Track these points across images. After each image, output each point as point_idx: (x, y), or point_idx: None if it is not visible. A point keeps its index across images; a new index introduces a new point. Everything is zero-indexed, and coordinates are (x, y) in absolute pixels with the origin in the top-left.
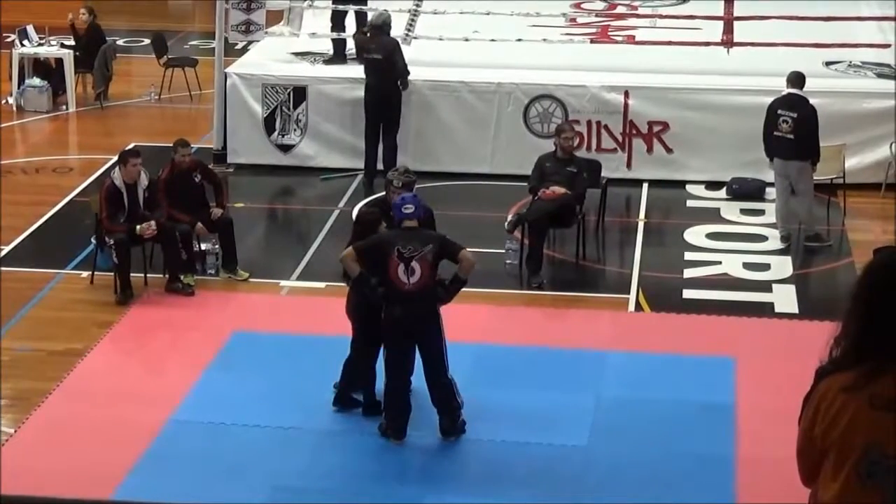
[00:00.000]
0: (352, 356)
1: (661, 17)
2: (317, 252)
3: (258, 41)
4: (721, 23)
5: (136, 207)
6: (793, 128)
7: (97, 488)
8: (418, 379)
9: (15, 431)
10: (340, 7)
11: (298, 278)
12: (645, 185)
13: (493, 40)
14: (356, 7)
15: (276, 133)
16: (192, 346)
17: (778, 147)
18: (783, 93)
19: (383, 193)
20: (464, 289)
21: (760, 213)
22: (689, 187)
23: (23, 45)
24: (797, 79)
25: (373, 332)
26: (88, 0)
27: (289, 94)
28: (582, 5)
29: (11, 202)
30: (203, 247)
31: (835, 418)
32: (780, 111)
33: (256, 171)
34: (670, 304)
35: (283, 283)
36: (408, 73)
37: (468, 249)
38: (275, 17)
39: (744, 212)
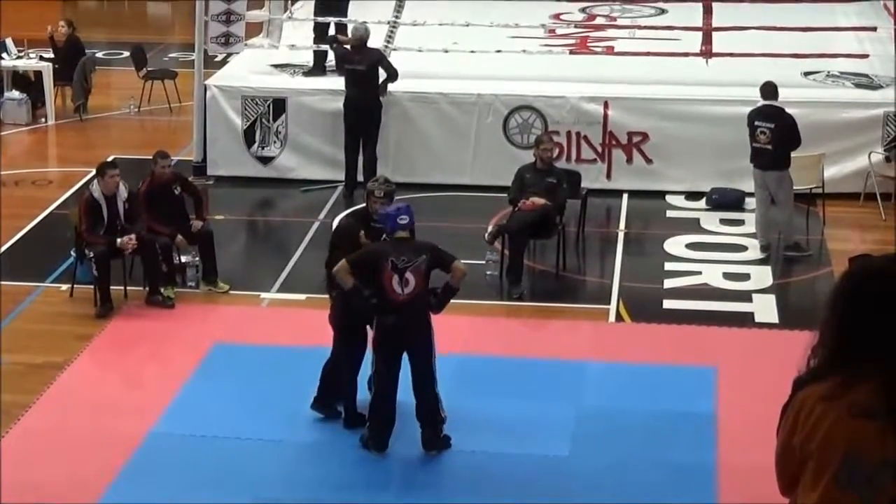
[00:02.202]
0: (331, 363)
1: (640, 27)
2: (297, 264)
3: (238, 53)
4: (700, 33)
5: (116, 220)
6: (770, 138)
7: (78, 500)
8: (402, 392)
9: None
10: (320, 19)
11: (279, 290)
12: (625, 196)
13: (472, 51)
14: (337, 19)
15: (255, 145)
16: (173, 358)
17: (756, 158)
18: (759, 104)
19: (363, 205)
20: None
21: (740, 223)
22: (668, 198)
23: (1, 57)
24: (770, 90)
25: (356, 343)
26: (67, 13)
27: (268, 105)
28: (561, 16)
29: None
30: (183, 259)
31: (814, 427)
32: (756, 122)
33: (236, 183)
34: (650, 315)
35: (263, 295)
36: (397, 76)
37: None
38: (254, 29)
39: (723, 222)
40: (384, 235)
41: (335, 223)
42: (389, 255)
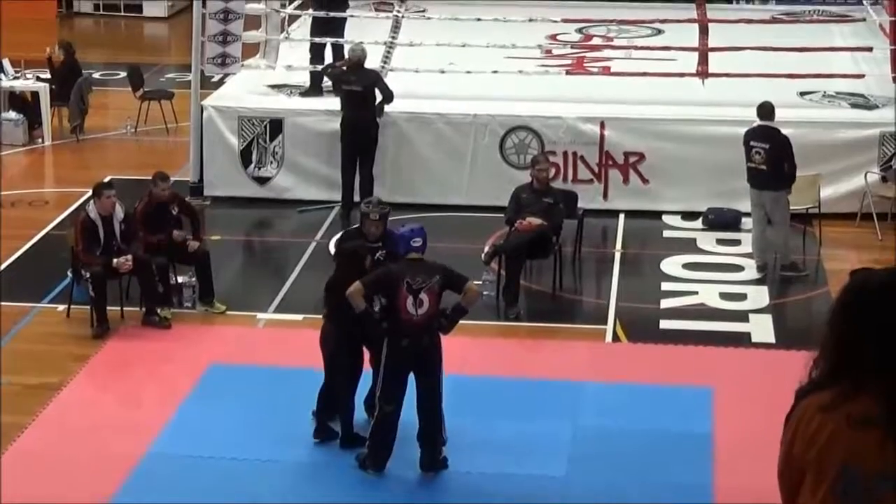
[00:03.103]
0: (326, 385)
1: (636, 48)
2: (294, 284)
3: (234, 74)
4: (696, 54)
5: (112, 240)
6: (765, 159)
7: None
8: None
9: None
10: (317, 40)
11: (275, 311)
12: (621, 216)
13: (468, 72)
14: (333, 39)
15: (252, 165)
16: (169, 378)
17: (752, 178)
18: (754, 125)
19: (356, 226)
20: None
21: (737, 242)
22: (665, 217)
23: None
24: (767, 110)
25: (353, 363)
26: (63, 33)
27: (265, 126)
28: (557, 37)
29: None
30: (180, 280)
31: (812, 437)
32: (752, 143)
33: (233, 203)
34: (647, 335)
35: (259, 315)
36: (393, 98)
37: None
38: (251, 49)
39: (720, 242)
40: (378, 255)
41: (332, 244)
42: (405, 276)
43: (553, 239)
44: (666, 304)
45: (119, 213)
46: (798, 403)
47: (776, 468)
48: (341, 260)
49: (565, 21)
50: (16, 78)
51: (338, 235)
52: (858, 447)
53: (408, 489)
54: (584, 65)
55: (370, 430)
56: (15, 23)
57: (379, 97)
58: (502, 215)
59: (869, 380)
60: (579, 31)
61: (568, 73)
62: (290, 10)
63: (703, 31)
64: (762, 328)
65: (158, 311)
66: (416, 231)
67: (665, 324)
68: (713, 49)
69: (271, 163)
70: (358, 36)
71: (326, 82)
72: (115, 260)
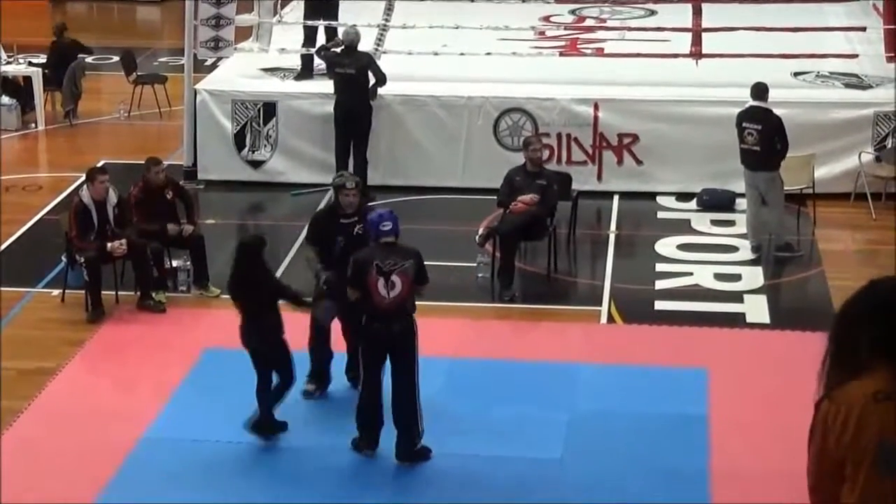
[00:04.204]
0: (259, 384)
1: (629, 29)
2: (288, 268)
3: (227, 57)
4: (689, 35)
5: (106, 225)
6: (758, 140)
7: None
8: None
9: None
10: (310, 23)
11: None
12: (615, 198)
13: (462, 54)
14: (326, 22)
15: (246, 149)
16: (164, 363)
17: (745, 159)
18: (747, 105)
19: (333, 201)
20: (436, 303)
21: (731, 223)
22: (659, 199)
23: None
24: (760, 91)
25: (272, 358)
26: (56, 17)
27: (259, 109)
28: (551, 18)
29: None
30: (174, 264)
31: (843, 425)
32: (744, 124)
33: (227, 187)
34: (642, 316)
35: None
36: (386, 81)
37: (435, 264)
38: (244, 33)
39: (714, 223)
40: (357, 230)
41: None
42: (374, 259)
43: (547, 221)
44: (661, 285)
45: (112, 197)
46: (819, 407)
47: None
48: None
49: (558, 2)
50: (8, 63)
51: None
52: (889, 420)
53: (402, 472)
54: (578, 46)
55: (356, 415)
56: (7, 8)
57: (372, 80)
58: (496, 197)
59: (881, 364)
60: (572, 12)
61: (561, 54)
62: None
63: (697, 12)
64: (757, 309)
65: (153, 295)
66: (386, 215)
67: (660, 305)
68: (706, 30)
69: (265, 146)
70: (351, 19)
71: (318, 65)
72: (109, 244)
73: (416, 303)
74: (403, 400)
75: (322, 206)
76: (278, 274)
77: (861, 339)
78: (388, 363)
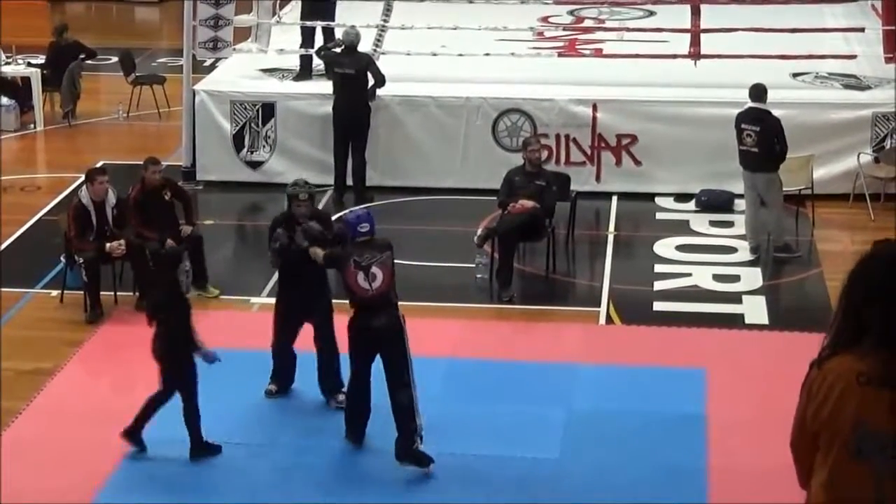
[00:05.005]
0: (185, 407)
1: (628, 30)
2: None
3: (226, 58)
4: (688, 35)
5: (105, 225)
6: (756, 141)
7: None
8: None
9: None
10: (308, 23)
11: (269, 295)
12: (614, 198)
13: (460, 55)
14: (324, 23)
15: (245, 150)
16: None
17: (744, 160)
18: (746, 106)
19: (286, 210)
20: (434, 303)
21: (730, 224)
22: (658, 199)
23: None
24: (758, 92)
25: (183, 373)
26: (55, 18)
27: (257, 110)
28: (549, 19)
29: None
30: None
31: (824, 399)
32: (743, 125)
33: (226, 187)
34: (641, 317)
35: (253, 299)
36: (384, 82)
37: (434, 265)
38: (242, 33)
39: (713, 223)
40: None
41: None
42: (352, 255)
43: (546, 221)
44: (659, 286)
45: (111, 198)
46: (810, 371)
47: (768, 446)
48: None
49: (557, 3)
50: (7, 63)
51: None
52: (868, 404)
53: (401, 471)
54: (576, 47)
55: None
56: (5, 7)
57: (371, 81)
58: (495, 198)
59: (875, 343)
60: (571, 13)
61: (560, 55)
62: None
63: (695, 13)
64: (755, 309)
65: None
66: (363, 216)
67: (658, 306)
68: (705, 30)
69: (264, 147)
70: (349, 19)
71: (317, 65)
72: (108, 245)
73: (415, 303)
74: (399, 396)
75: (279, 213)
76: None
77: (873, 312)
78: (378, 361)
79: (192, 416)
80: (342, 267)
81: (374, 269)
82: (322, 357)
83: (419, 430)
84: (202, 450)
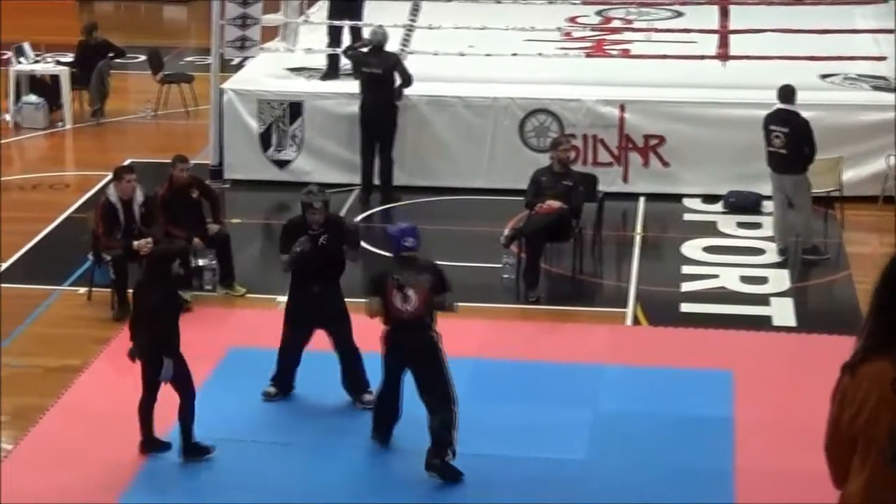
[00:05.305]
0: (183, 406)
1: (656, 30)
2: None
3: (254, 57)
4: (716, 36)
5: (132, 223)
6: (785, 142)
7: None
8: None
9: (13, 448)
10: (336, 23)
11: None
12: (641, 199)
13: (488, 55)
14: (351, 22)
15: (272, 148)
16: (189, 361)
17: (772, 162)
18: (774, 108)
19: (299, 215)
20: (461, 303)
21: (757, 226)
22: (685, 201)
23: (19, 62)
24: (787, 93)
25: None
26: (83, 17)
27: (285, 109)
28: (577, 19)
29: (8, 219)
30: (200, 263)
31: (861, 406)
32: (771, 126)
33: (252, 186)
34: (668, 318)
35: (279, 298)
36: (412, 82)
37: (460, 265)
38: (270, 32)
39: (741, 225)
40: (322, 241)
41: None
42: (393, 272)
43: (573, 222)
44: (686, 287)
45: (139, 196)
46: (843, 376)
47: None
48: (283, 231)
49: (585, 3)
50: (36, 61)
51: (358, 217)
52: None
53: (426, 473)
54: (604, 47)
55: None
56: (34, 7)
57: (398, 80)
58: (522, 198)
59: None
60: (599, 13)
61: (588, 55)
62: None
63: (724, 13)
64: (783, 311)
65: (179, 293)
66: (408, 231)
67: (685, 307)
68: (733, 31)
69: (291, 146)
70: (377, 19)
71: (344, 65)
72: (135, 242)
73: (448, 303)
74: (433, 409)
75: (293, 216)
76: None
77: None
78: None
79: (187, 416)
80: (383, 286)
81: (409, 291)
82: (344, 361)
83: (454, 444)
84: (193, 450)
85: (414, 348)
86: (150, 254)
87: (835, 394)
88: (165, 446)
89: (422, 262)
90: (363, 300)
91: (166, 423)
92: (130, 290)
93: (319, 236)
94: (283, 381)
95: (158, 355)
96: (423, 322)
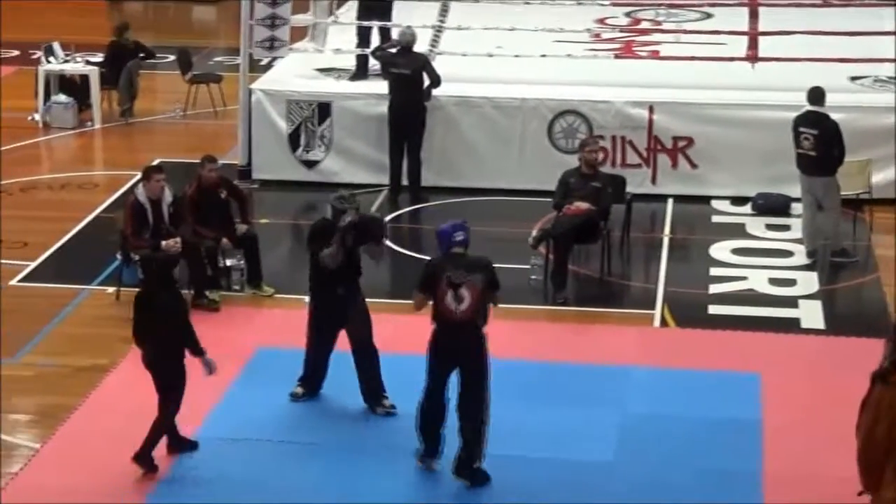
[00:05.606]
0: (162, 414)
1: (685, 32)
2: None
3: (282, 57)
4: (746, 38)
5: (161, 223)
6: (814, 144)
7: (123, 502)
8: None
9: (41, 447)
10: (365, 23)
11: None
12: (670, 201)
13: (517, 56)
14: (380, 23)
15: (300, 149)
16: (217, 362)
17: (801, 164)
18: (803, 110)
19: (332, 216)
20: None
21: (786, 228)
22: (714, 203)
23: (48, 61)
24: (817, 95)
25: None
26: (113, 16)
27: (313, 109)
28: (606, 21)
29: (37, 218)
30: (228, 263)
31: (895, 419)
32: (801, 128)
33: (281, 186)
34: (696, 320)
35: (307, 298)
36: (440, 82)
37: (494, 265)
38: (299, 33)
39: (769, 227)
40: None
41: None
42: (445, 270)
43: (601, 224)
44: (714, 289)
45: (168, 196)
46: (875, 386)
47: (824, 451)
48: (310, 233)
49: (614, 4)
50: (66, 61)
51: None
52: None
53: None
54: (633, 49)
55: (419, 422)
56: (64, 6)
57: (427, 81)
58: (550, 200)
59: None
60: (628, 14)
61: (616, 56)
62: None
63: (753, 15)
64: (812, 314)
65: (207, 293)
66: (458, 226)
67: (713, 309)
68: (763, 33)
69: (319, 146)
70: (406, 19)
71: (373, 65)
72: (163, 242)
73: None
74: (469, 413)
75: (320, 217)
76: None
77: None
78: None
79: (161, 427)
80: (435, 283)
81: (463, 290)
82: (361, 362)
83: (483, 450)
84: (144, 459)
85: (463, 350)
86: (149, 262)
87: (866, 402)
88: (193, 445)
89: (473, 258)
90: (389, 300)
91: (191, 422)
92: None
93: (348, 231)
94: (312, 383)
95: (171, 360)
96: (474, 323)
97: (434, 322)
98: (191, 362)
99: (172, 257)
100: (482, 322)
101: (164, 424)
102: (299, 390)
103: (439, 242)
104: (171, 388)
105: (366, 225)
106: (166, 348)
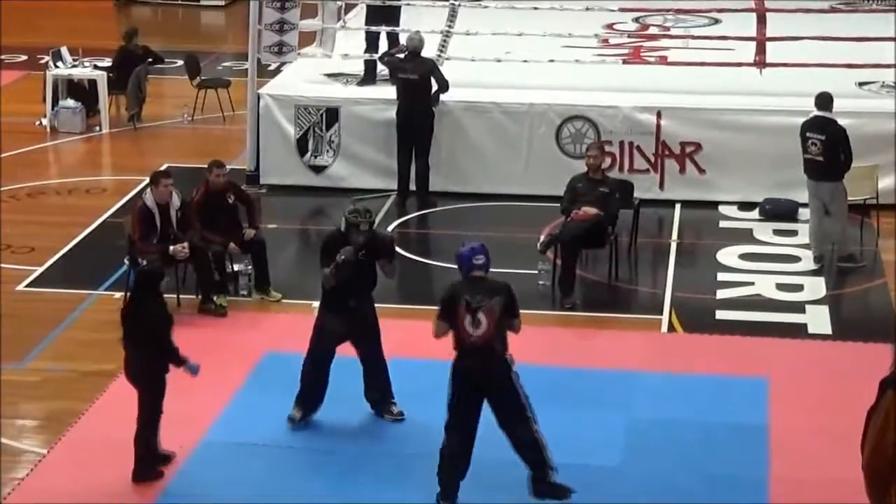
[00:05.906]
0: (141, 426)
1: (693, 37)
2: None
3: (291, 62)
4: (754, 43)
5: (169, 228)
6: (821, 150)
7: None
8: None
9: (47, 452)
10: (373, 28)
11: None
12: (677, 206)
13: (525, 61)
14: (388, 28)
15: (308, 154)
16: (225, 367)
17: (809, 169)
18: (810, 115)
19: (337, 230)
20: None
21: (793, 233)
22: (721, 208)
23: (56, 66)
24: (824, 100)
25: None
26: (121, 21)
27: (321, 115)
28: (614, 26)
29: (45, 223)
30: (236, 268)
31: None
32: (808, 134)
33: (289, 191)
34: (703, 325)
35: (315, 303)
36: (448, 87)
37: (496, 271)
38: (307, 38)
39: (777, 232)
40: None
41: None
42: (464, 294)
43: (609, 229)
44: (722, 294)
45: (175, 201)
46: (884, 394)
47: (831, 457)
48: (323, 245)
49: (622, 10)
50: (74, 66)
51: (392, 225)
52: None
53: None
54: (641, 54)
55: (440, 461)
56: (72, 9)
57: (435, 86)
58: (558, 205)
59: None
60: (636, 20)
61: (625, 62)
62: None
63: (761, 21)
64: (819, 319)
65: (214, 298)
66: (478, 249)
67: (721, 314)
68: (771, 39)
69: (327, 151)
70: (414, 24)
71: (381, 71)
72: (171, 247)
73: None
74: (518, 432)
75: (333, 230)
76: None
77: None
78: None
79: (143, 438)
80: (454, 308)
81: (480, 315)
82: (371, 371)
83: (550, 462)
84: (145, 474)
85: (486, 378)
86: (138, 275)
87: (874, 411)
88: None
89: (493, 282)
90: (397, 305)
91: (199, 427)
92: (165, 296)
93: (359, 251)
94: (310, 400)
95: (160, 375)
96: (492, 348)
97: (455, 349)
98: (205, 364)
99: (160, 270)
100: (501, 347)
101: (145, 434)
102: (297, 414)
103: (459, 266)
104: (151, 401)
105: (377, 244)
106: (150, 361)
